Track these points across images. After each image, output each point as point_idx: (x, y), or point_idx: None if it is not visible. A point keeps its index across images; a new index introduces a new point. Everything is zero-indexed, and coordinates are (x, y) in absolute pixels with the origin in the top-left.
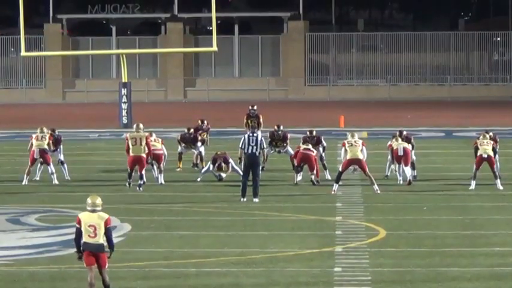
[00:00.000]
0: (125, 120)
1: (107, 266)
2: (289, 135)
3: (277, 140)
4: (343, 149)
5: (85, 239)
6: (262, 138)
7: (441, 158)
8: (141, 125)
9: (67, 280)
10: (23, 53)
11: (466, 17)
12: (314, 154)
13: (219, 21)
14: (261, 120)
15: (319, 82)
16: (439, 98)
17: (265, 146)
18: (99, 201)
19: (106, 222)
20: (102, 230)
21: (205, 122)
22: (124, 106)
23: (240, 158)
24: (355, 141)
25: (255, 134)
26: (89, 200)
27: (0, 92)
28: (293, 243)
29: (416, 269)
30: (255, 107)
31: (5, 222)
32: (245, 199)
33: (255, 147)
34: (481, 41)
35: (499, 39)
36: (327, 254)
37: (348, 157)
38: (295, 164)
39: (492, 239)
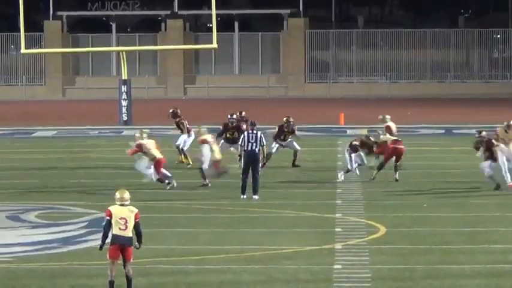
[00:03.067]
0: (124, 117)
1: (131, 260)
2: (296, 128)
3: (286, 133)
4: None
5: (115, 231)
6: (262, 135)
7: (441, 155)
8: (203, 128)
9: (67, 277)
10: (23, 50)
11: (466, 14)
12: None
13: (219, 18)
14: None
15: (319, 79)
16: (439, 95)
17: (264, 143)
18: (127, 195)
19: (136, 216)
20: (132, 223)
21: (244, 113)
22: (124, 103)
23: (239, 156)
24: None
25: (254, 131)
26: (117, 195)
27: (1, 89)
28: (293, 241)
29: (416, 266)
30: (235, 116)
31: (4, 219)
32: (245, 196)
33: (254, 144)
34: (481, 38)
35: (499, 36)
36: (326, 251)
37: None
38: (384, 160)
39: (492, 236)
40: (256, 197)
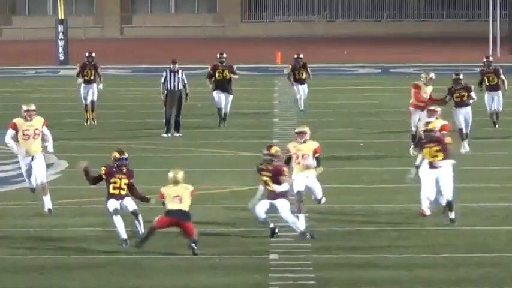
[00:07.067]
0: (61, 57)
1: (194, 235)
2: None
3: (298, 69)
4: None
5: (170, 207)
6: (184, 74)
7: (378, 94)
8: None
9: (4, 217)
10: None
11: None
12: None
13: None
14: (235, 69)
15: (255, 18)
16: (375, 34)
17: (186, 82)
18: (180, 175)
19: (191, 194)
20: (188, 200)
21: (224, 55)
22: (60, 43)
23: (161, 94)
24: None
25: (176, 69)
26: (170, 175)
27: None
28: (231, 180)
29: (353, 205)
30: (225, 55)
31: None
32: (169, 134)
33: (177, 83)
34: None
35: None
36: None
37: None
38: None
39: None
40: (179, 134)
